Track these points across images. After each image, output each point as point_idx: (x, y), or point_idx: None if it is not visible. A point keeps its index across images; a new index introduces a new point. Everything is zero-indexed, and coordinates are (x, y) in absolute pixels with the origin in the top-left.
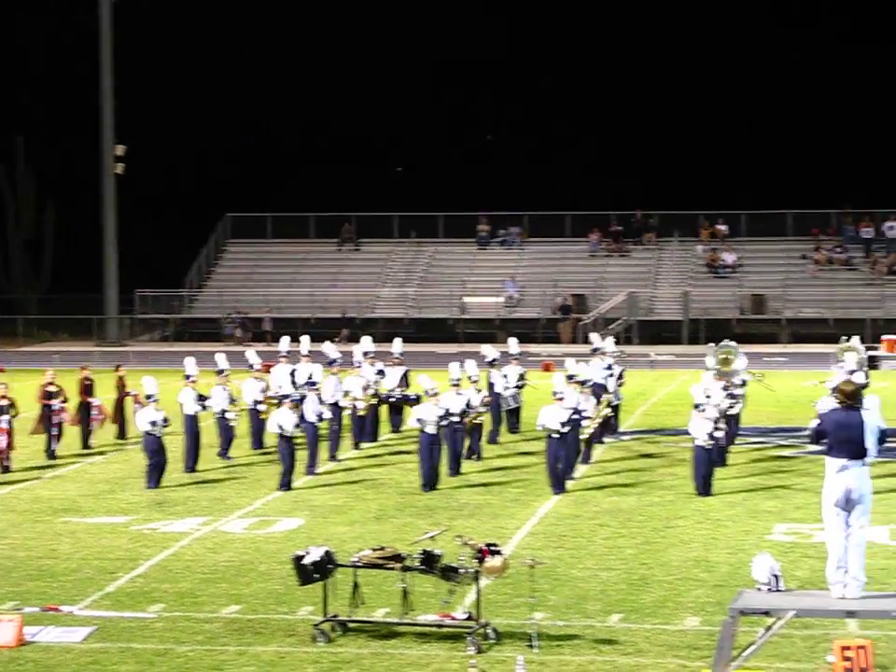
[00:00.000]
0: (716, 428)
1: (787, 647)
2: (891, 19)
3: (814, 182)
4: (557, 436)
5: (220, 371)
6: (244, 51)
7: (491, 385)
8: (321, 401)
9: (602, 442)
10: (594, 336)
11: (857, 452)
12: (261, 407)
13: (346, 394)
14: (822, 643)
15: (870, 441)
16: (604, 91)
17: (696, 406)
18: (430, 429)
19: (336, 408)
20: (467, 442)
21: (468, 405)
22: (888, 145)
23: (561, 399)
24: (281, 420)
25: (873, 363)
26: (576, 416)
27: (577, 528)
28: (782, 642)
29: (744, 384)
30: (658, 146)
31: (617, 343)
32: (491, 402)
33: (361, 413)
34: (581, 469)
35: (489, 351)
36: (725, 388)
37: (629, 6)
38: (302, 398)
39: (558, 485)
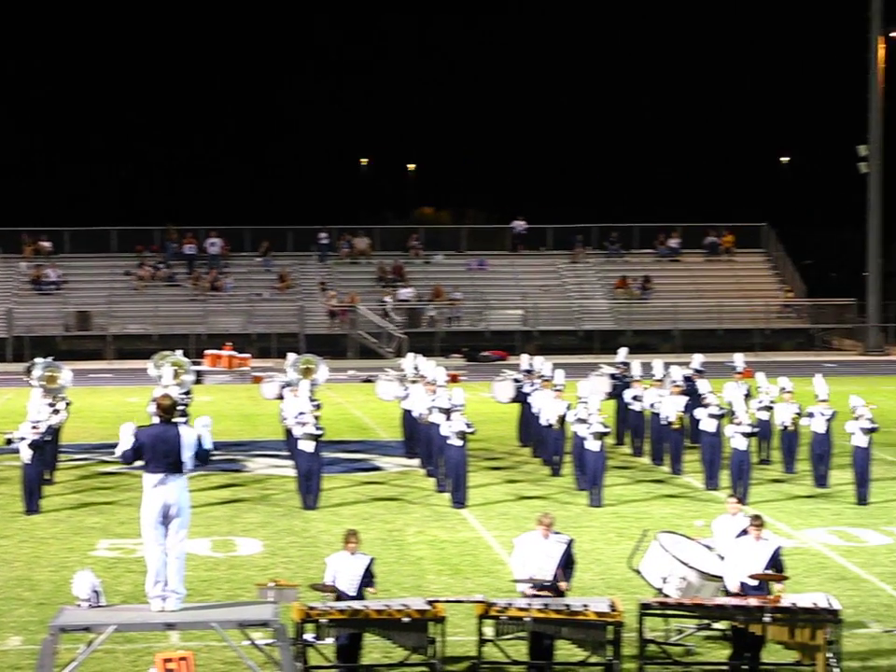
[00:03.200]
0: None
1: (110, 662)
2: None
3: (137, 200)
4: None
5: None
6: None
7: None
8: None
9: None
10: None
11: (174, 466)
12: None
13: None
14: (145, 657)
15: (186, 455)
16: None
17: (31, 422)
18: None
19: None
20: None
21: None
22: (235, 167)
23: None
24: None
25: (198, 378)
26: None
27: None
28: (106, 657)
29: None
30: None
31: None
32: None
33: None
34: None
35: None
36: (51, 405)
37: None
38: None
39: None
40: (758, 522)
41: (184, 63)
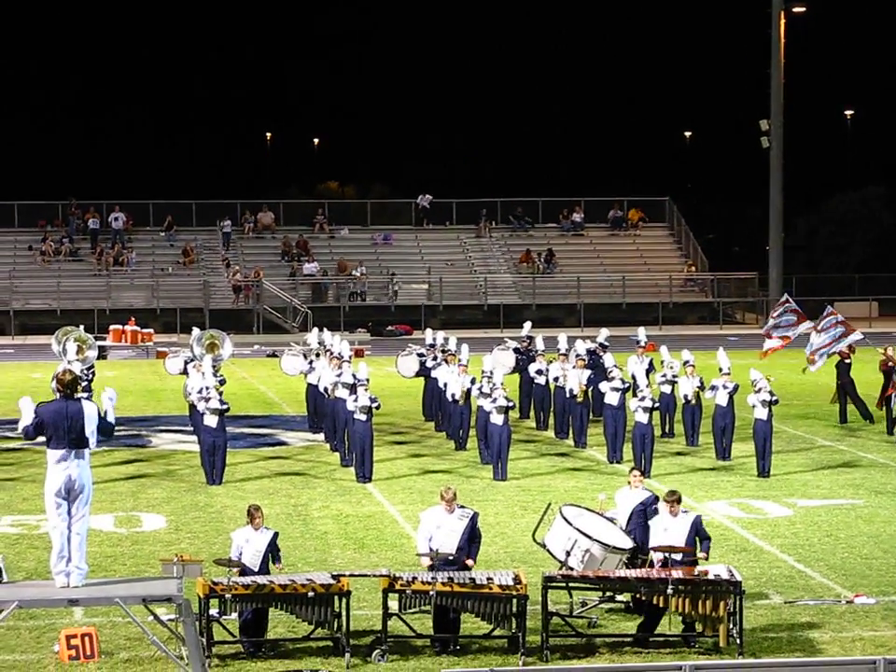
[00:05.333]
0: None
1: (13, 638)
2: None
3: (40, 174)
4: None
5: None
6: None
7: None
8: None
9: None
10: None
11: (78, 441)
12: None
13: None
14: (49, 633)
15: (89, 431)
16: None
17: None
18: None
19: None
20: None
21: None
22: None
23: None
24: None
25: (101, 353)
26: None
27: None
28: (8, 634)
29: None
30: None
31: None
32: None
33: None
34: None
35: None
36: None
37: None
38: None
39: None
40: (672, 497)
41: (88, 36)
